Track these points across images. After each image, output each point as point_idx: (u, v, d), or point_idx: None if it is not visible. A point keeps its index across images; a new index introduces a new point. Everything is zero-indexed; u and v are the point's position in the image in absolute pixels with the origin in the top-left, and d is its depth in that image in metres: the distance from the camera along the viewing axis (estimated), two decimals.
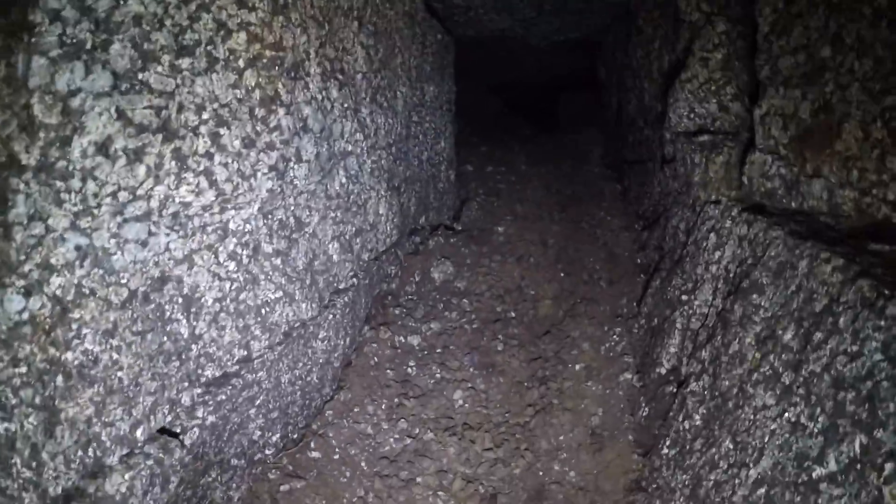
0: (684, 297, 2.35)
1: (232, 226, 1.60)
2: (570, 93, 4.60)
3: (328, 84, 1.90)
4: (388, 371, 2.42)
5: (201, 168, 1.46)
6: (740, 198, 2.27)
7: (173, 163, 1.40)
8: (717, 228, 2.27)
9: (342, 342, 2.32)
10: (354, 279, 2.26)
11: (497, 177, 3.57)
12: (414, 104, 2.85)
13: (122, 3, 1.28)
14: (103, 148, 1.28)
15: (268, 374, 1.94)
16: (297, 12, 1.71)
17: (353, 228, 2.14)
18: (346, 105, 2.01)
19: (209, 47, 1.44)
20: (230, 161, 1.52)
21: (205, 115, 1.45)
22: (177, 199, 1.43)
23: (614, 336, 2.54)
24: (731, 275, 2.11)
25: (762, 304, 1.85)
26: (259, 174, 1.61)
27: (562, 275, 2.85)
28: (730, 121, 2.30)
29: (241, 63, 1.51)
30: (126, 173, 1.32)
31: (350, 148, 2.07)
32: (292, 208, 1.80)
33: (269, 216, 1.72)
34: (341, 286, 2.16)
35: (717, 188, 2.21)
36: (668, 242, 2.74)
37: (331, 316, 2.18)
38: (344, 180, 2.04)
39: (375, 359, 2.46)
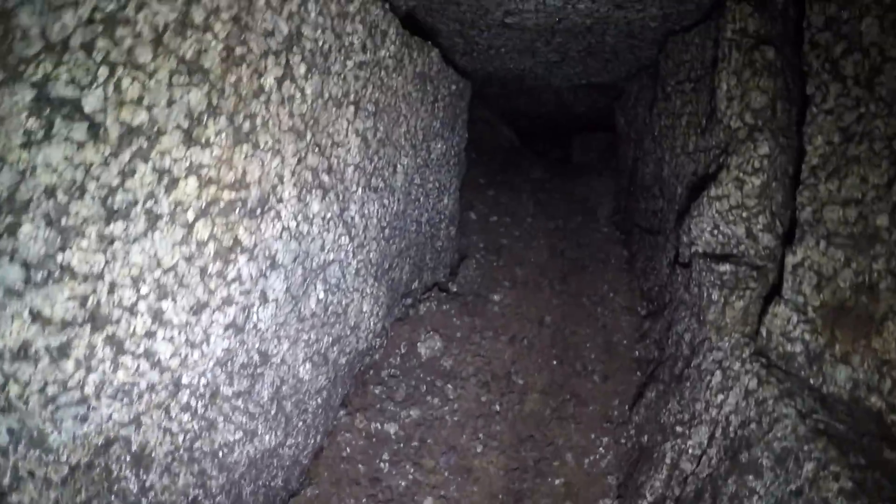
0: (678, 429, 2.11)
1: (185, 381, 1.36)
2: (586, 134, 4.21)
3: (307, 199, 1.60)
4: (360, 465, 2.22)
5: (141, 350, 1.20)
6: (753, 335, 2.00)
7: (107, 349, 1.15)
8: (724, 366, 2.01)
9: (312, 440, 2.11)
10: (328, 380, 2.02)
11: (501, 229, 3.26)
12: (418, 166, 2.53)
13: (28, 175, 0.99)
14: (22, 352, 1.04)
15: (227, 497, 1.74)
16: (268, 133, 1.39)
17: (330, 339, 1.89)
18: (328, 215, 1.71)
19: (149, 204, 1.16)
20: (176, 334, 1.25)
21: (143, 289, 1.17)
22: (115, 383, 1.18)
23: (600, 448, 2.31)
24: (732, 430, 1.87)
25: (758, 490, 1.63)
26: (213, 337, 1.34)
27: (554, 363, 2.60)
28: (757, 250, 1.98)
29: (189, 215, 1.22)
30: (52, 370, 1.08)
31: (332, 257, 1.79)
32: (257, 345, 1.54)
33: (229, 363, 1.46)
34: (312, 397, 1.93)
35: (730, 332, 1.92)
36: (669, 346, 2.47)
37: (301, 423, 1.95)
38: (322, 295, 1.76)
39: (348, 450, 2.25)
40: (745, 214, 1.96)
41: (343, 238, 1.82)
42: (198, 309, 1.28)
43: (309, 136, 1.53)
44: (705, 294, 1.98)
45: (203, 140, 1.19)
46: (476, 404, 2.45)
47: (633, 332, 2.75)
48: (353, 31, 1.70)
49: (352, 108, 1.81)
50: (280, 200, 1.44)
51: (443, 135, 2.76)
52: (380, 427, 2.35)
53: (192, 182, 1.20)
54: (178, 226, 1.20)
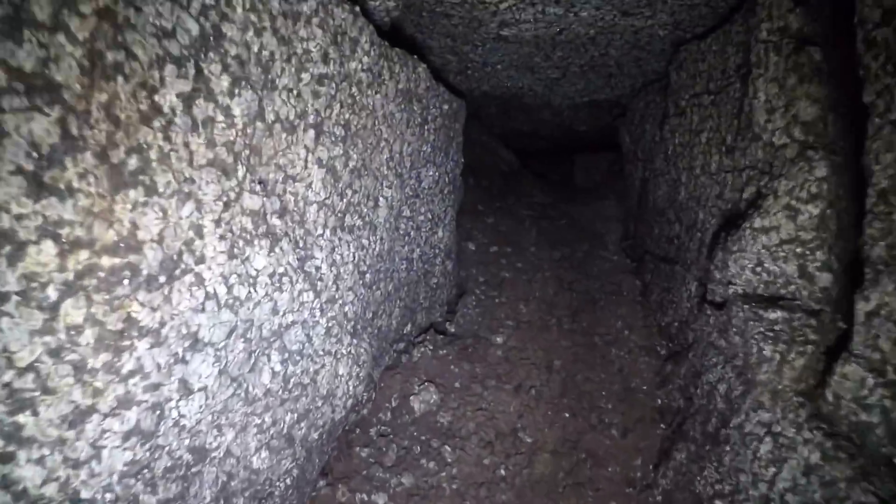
0: (718, 503, 1.67)
1: (85, 496, 0.94)
2: (588, 154, 3.81)
3: (246, 253, 1.19)
4: None
5: None
6: (809, 393, 1.56)
7: None
8: (773, 430, 1.57)
9: None
10: (297, 459, 1.60)
11: (502, 260, 2.85)
12: (406, 197, 2.12)
13: None
14: None
15: None
16: (171, 171, 0.97)
17: (295, 416, 1.47)
18: (281, 269, 1.30)
19: None
20: (47, 453, 0.84)
21: None
22: None
23: None
24: None
25: None
26: (107, 451, 0.93)
27: (566, 415, 2.16)
28: (811, 292, 1.55)
29: (51, 292, 0.82)
30: None
31: (291, 319, 1.37)
32: (186, 443, 1.12)
33: (144, 471, 1.04)
34: (278, 480, 1.50)
35: (788, 394, 1.48)
36: (699, 397, 2.03)
37: None
38: (278, 367, 1.35)
39: None
40: (799, 250, 1.53)
41: (306, 294, 1.41)
42: (78, 418, 0.87)
43: (242, 172, 1.13)
44: (754, 349, 1.55)
45: (61, 186, 0.79)
46: (478, 468, 2.01)
47: (653, 375, 2.32)
48: (310, 37, 1.31)
49: (311, 133, 1.41)
50: (200, 260, 1.03)
51: (435, 160, 2.36)
52: (366, 498, 1.92)
53: (49, 247, 0.79)
54: (34, 309, 0.80)
